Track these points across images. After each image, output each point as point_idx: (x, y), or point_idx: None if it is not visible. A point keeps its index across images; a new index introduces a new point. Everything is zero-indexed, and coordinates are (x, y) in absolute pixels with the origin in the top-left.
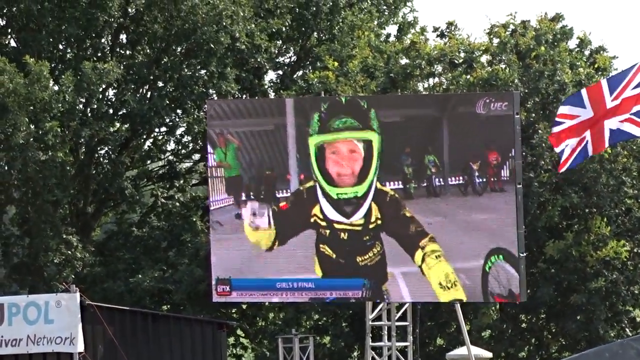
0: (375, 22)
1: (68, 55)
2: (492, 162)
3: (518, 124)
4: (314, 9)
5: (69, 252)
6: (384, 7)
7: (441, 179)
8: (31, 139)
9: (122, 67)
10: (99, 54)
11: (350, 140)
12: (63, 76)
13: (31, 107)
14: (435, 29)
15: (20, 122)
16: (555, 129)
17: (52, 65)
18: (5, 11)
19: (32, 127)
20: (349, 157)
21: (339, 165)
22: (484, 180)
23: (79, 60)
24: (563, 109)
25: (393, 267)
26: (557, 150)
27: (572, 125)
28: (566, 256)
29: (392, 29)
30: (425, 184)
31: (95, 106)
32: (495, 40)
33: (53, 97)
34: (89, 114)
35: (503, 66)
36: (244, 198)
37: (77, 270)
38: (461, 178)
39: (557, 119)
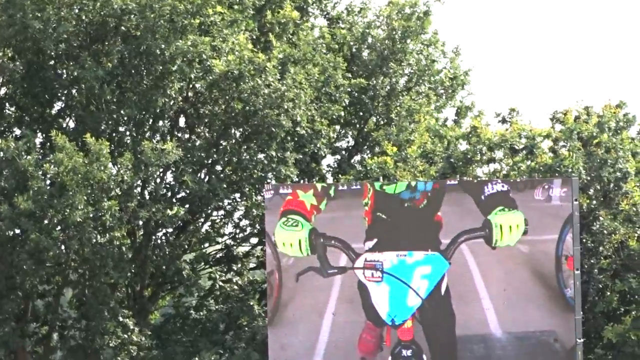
0: (433, 107)
1: (126, 139)
2: None
3: (577, 209)
4: (372, 93)
5: (125, 335)
6: (442, 91)
7: None
8: (89, 219)
9: (181, 150)
10: (158, 137)
11: None
12: (122, 157)
13: (89, 187)
14: (497, 115)
15: (79, 200)
16: None
17: (111, 147)
18: (66, 92)
19: (90, 207)
20: None
21: None
22: None
23: (138, 142)
24: None
25: None
26: None
27: None
28: (624, 340)
29: (449, 113)
30: None
31: (153, 188)
32: (558, 127)
33: (112, 177)
34: (147, 196)
35: (566, 152)
36: None
37: (132, 355)
38: None
39: None
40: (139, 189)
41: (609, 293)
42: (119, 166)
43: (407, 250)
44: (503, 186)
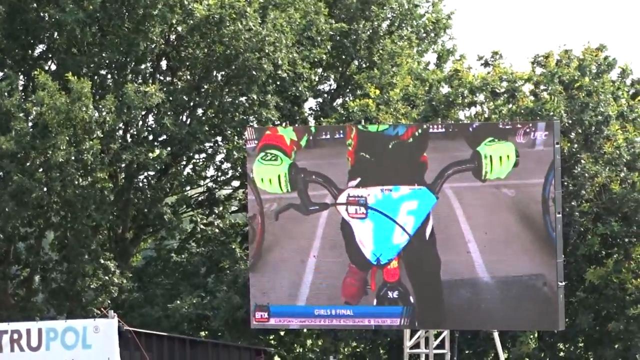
0: (415, 50)
1: (108, 82)
2: None
3: (558, 153)
4: (354, 37)
5: (107, 277)
6: (424, 35)
7: None
8: (71, 158)
9: (163, 93)
10: (140, 80)
11: None
12: (104, 99)
13: (71, 127)
14: (479, 58)
15: (61, 141)
16: None
17: (94, 90)
18: (48, 35)
19: (72, 148)
20: None
21: None
22: None
23: (120, 85)
24: None
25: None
26: None
27: None
28: (606, 283)
29: (431, 57)
30: None
31: (136, 131)
32: (539, 70)
33: (94, 118)
34: (129, 139)
35: (547, 96)
36: None
37: (113, 296)
38: None
39: None
40: (121, 132)
41: (590, 236)
42: (101, 108)
43: (393, 184)
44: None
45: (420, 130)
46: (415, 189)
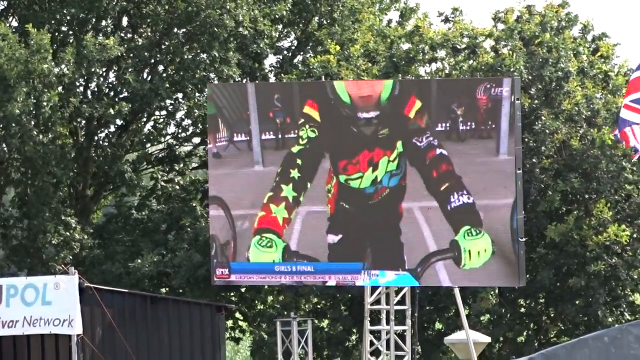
0: (377, 7)
1: (70, 39)
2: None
3: (519, 109)
4: None
5: (68, 233)
6: None
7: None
8: (30, 110)
9: (123, 49)
10: (101, 37)
11: None
12: (64, 52)
13: (30, 80)
14: (440, 14)
15: (18, 93)
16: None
17: (55, 46)
18: None
19: (31, 100)
20: None
21: None
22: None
23: (80, 41)
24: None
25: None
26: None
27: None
28: (567, 240)
29: (393, 15)
30: None
31: (95, 86)
32: (500, 26)
33: (52, 72)
34: (89, 95)
35: (507, 52)
36: None
37: (75, 252)
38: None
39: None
40: (81, 88)
41: (550, 193)
42: (60, 60)
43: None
44: (469, 198)
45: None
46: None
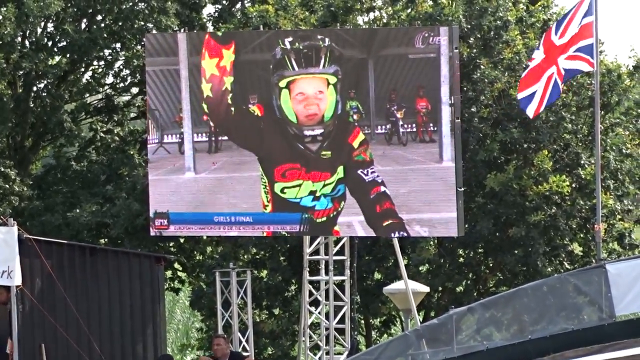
0: None
1: None
2: (421, 109)
3: (457, 58)
4: None
5: (7, 185)
6: None
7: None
8: None
9: (62, 2)
10: None
11: None
12: (4, 9)
13: None
14: None
15: None
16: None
17: None
18: None
19: None
20: None
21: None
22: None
23: None
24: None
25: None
26: (520, 96)
27: (530, 69)
28: (506, 189)
29: None
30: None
31: (35, 39)
32: None
33: None
34: (28, 47)
35: (445, 1)
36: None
37: (14, 205)
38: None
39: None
40: (19, 39)
41: (489, 142)
42: (1, 18)
43: None
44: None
45: None
46: None
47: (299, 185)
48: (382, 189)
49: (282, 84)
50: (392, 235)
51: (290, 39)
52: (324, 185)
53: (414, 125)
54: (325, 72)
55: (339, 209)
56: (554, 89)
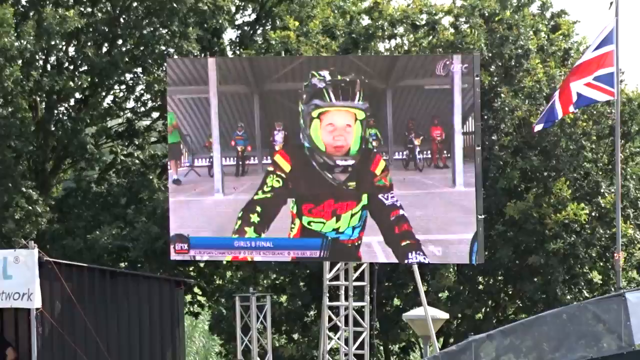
0: None
1: (31, 13)
2: (436, 137)
3: (478, 86)
4: None
5: (30, 207)
6: None
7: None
8: None
9: (83, 22)
10: (61, 10)
11: None
12: (24, 25)
13: None
14: None
15: None
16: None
17: (16, 20)
18: None
19: None
20: None
21: None
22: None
23: (41, 14)
24: None
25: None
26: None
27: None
28: (526, 217)
29: None
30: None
31: (55, 59)
32: (458, 3)
33: (14, 46)
34: (49, 68)
35: (467, 29)
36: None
37: (40, 226)
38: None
39: None
40: (41, 62)
41: (510, 170)
42: (21, 34)
43: None
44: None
45: None
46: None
47: (323, 223)
48: (401, 212)
49: (315, 114)
50: (410, 255)
51: (328, 70)
52: (352, 216)
53: (429, 152)
54: (356, 107)
55: (363, 238)
56: (551, 113)
